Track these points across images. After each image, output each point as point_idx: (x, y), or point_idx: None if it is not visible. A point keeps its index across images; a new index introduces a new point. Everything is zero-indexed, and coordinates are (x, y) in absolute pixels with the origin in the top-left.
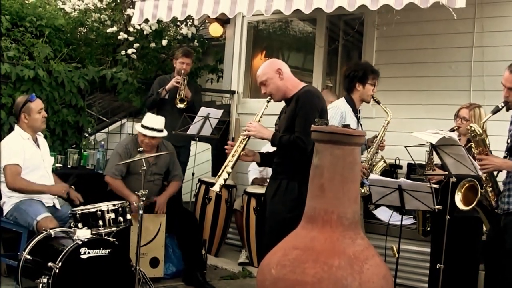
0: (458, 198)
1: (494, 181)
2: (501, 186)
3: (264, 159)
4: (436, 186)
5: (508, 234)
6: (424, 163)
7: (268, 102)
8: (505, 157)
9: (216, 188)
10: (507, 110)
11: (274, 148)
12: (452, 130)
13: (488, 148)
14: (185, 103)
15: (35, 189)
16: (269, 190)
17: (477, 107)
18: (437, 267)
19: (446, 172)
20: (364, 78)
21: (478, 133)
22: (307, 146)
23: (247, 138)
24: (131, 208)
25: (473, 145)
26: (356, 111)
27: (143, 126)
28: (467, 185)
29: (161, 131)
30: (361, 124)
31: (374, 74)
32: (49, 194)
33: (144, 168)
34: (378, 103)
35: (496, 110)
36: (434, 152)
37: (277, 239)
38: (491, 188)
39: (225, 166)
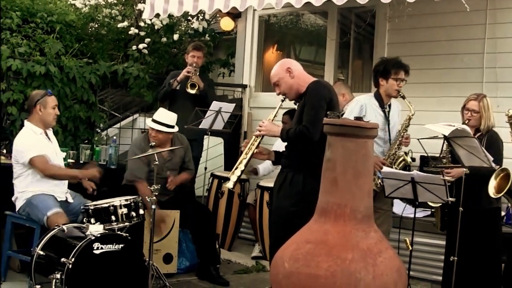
0: (492, 185)
1: None
2: None
3: (279, 158)
4: (450, 178)
5: None
6: (437, 155)
7: (282, 101)
8: None
9: (229, 185)
10: None
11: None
12: (462, 123)
13: None
14: (196, 88)
15: (68, 174)
16: (276, 183)
17: (484, 97)
18: (451, 259)
19: (459, 165)
20: (385, 72)
21: None
22: (312, 135)
23: (261, 137)
24: (144, 205)
25: (510, 131)
26: (383, 106)
27: (153, 120)
28: (502, 174)
29: (171, 127)
30: (389, 120)
31: (396, 68)
32: (82, 178)
33: (156, 162)
34: (403, 97)
35: None
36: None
37: (282, 233)
38: None
39: (239, 163)
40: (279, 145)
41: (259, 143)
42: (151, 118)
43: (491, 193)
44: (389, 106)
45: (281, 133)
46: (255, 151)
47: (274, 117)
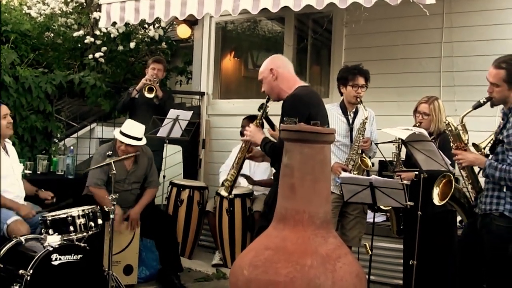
0: (436, 192)
1: (475, 178)
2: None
3: None
4: (407, 182)
5: (486, 242)
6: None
7: (267, 101)
8: (487, 156)
9: (223, 193)
10: (492, 106)
11: None
12: (414, 126)
13: (466, 143)
14: (154, 91)
15: (6, 204)
16: (271, 193)
17: (435, 99)
18: (410, 263)
19: (417, 169)
20: (343, 80)
21: (453, 127)
22: None
23: (249, 143)
24: (103, 214)
25: (451, 139)
26: (346, 113)
27: (121, 133)
28: (444, 180)
29: (139, 139)
30: (352, 127)
31: (353, 75)
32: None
33: (114, 172)
34: (360, 102)
35: (477, 105)
36: (400, 150)
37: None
38: (471, 186)
39: (232, 169)
40: None
41: (248, 148)
42: (119, 130)
43: (435, 201)
44: (355, 113)
45: (261, 143)
46: (246, 156)
47: (259, 122)
